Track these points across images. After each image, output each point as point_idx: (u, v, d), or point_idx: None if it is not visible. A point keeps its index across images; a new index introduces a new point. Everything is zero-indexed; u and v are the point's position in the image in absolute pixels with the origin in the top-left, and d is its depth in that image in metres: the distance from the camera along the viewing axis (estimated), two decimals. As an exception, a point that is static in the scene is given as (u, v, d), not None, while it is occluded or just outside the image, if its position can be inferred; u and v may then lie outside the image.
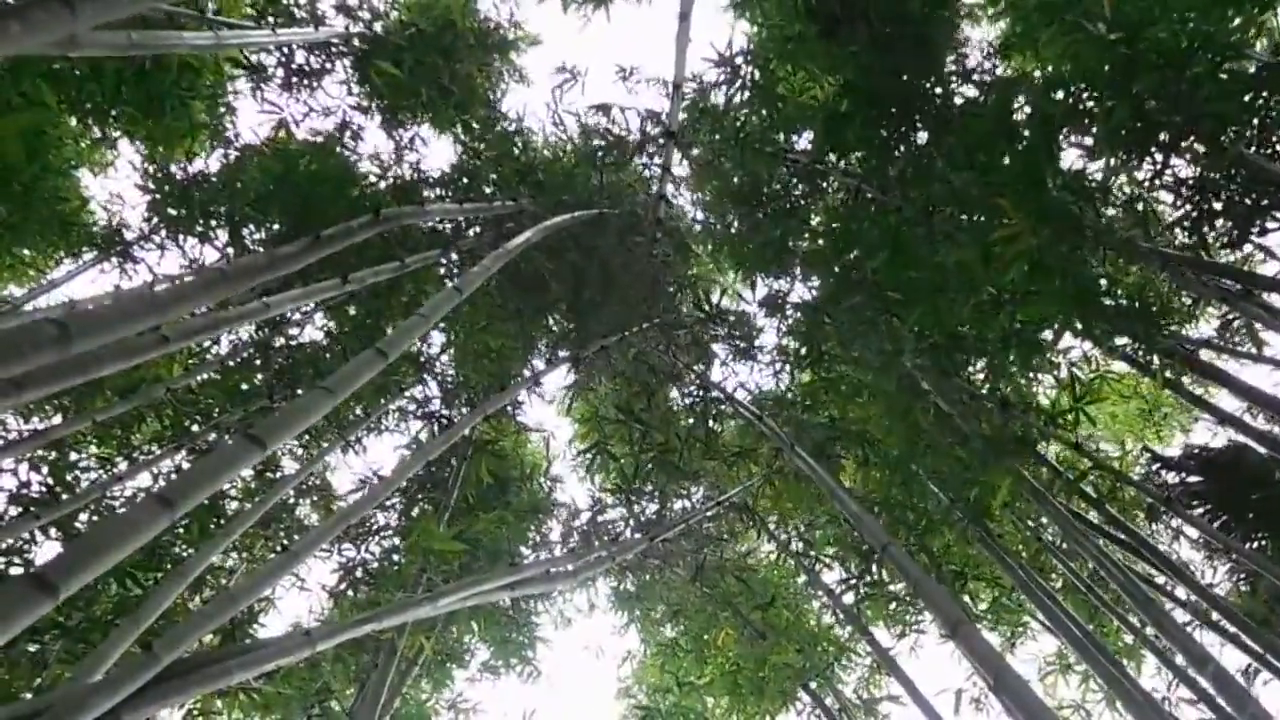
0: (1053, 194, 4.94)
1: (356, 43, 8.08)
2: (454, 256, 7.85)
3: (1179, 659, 6.37)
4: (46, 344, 2.97)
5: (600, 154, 9.00)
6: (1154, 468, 7.35)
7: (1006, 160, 5.26)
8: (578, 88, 9.17)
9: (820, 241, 7.87)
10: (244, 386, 7.55)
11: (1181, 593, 6.95)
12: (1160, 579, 7.35)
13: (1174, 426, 10.70)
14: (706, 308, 8.97)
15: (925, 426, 6.69)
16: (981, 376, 6.87)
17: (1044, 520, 7.57)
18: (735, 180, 8.33)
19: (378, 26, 8.23)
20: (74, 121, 7.13)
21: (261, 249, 6.86)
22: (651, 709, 9.69)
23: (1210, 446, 7.30)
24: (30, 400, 3.23)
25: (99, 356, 3.25)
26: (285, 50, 7.85)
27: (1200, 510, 6.74)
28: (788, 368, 8.62)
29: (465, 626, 8.98)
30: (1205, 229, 5.14)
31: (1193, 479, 6.84)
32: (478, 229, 8.40)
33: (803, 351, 8.14)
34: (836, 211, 7.63)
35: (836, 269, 7.20)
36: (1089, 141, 5.79)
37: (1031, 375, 6.76)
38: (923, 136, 6.31)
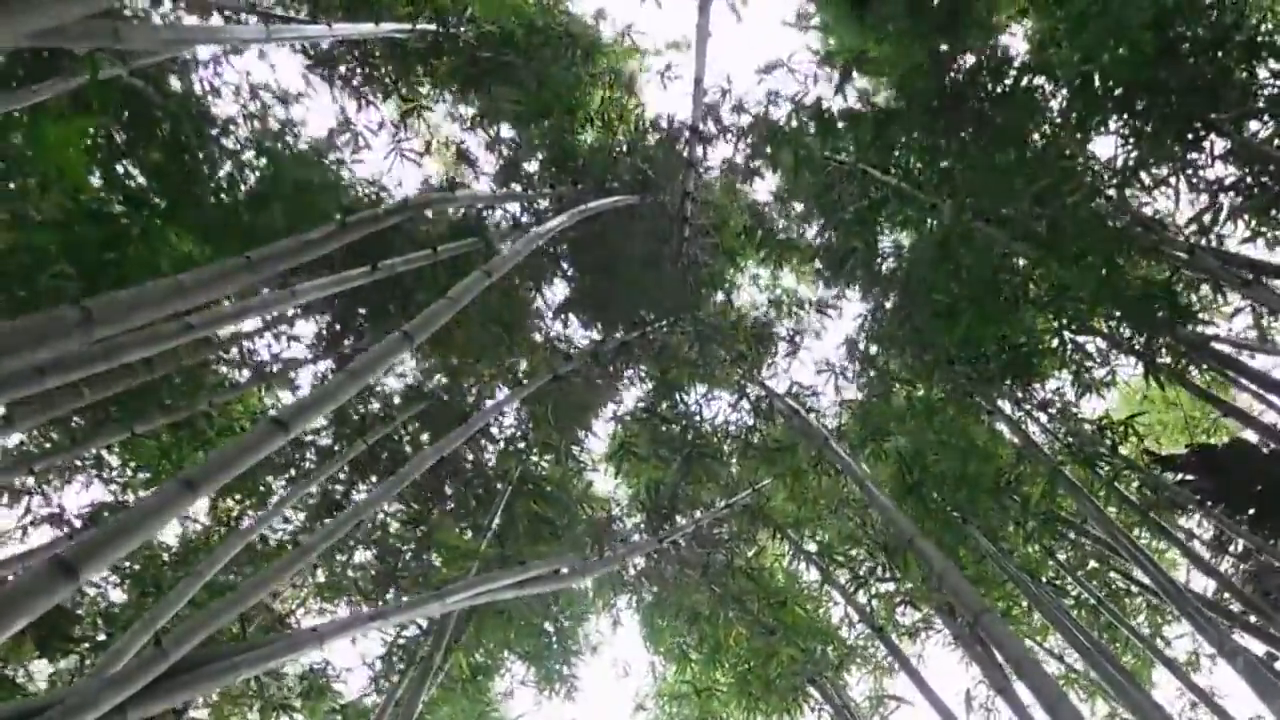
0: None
1: (426, 40, 7.73)
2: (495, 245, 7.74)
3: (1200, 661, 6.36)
4: (69, 330, 2.97)
5: (639, 142, 8.89)
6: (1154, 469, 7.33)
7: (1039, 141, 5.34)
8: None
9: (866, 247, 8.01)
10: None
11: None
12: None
13: (1223, 432, 10.48)
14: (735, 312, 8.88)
15: (977, 440, 6.78)
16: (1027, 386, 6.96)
17: (1050, 541, 7.59)
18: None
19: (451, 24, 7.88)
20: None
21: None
22: (672, 717, 9.60)
23: (1210, 444, 7.28)
24: (53, 386, 3.22)
25: (122, 343, 3.25)
26: (344, 44, 7.58)
27: (1199, 508, 6.77)
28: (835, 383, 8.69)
29: (497, 637, 8.86)
30: (1224, 222, 5.19)
31: (1192, 477, 6.83)
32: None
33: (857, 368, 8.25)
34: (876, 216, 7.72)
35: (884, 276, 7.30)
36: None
37: (1081, 386, 6.85)
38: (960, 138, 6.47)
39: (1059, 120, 6.13)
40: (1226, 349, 6.79)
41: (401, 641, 7.97)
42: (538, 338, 8.86)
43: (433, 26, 7.70)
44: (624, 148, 8.76)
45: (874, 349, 8.45)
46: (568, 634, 9.06)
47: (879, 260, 8.03)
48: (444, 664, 7.80)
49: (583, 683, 9.03)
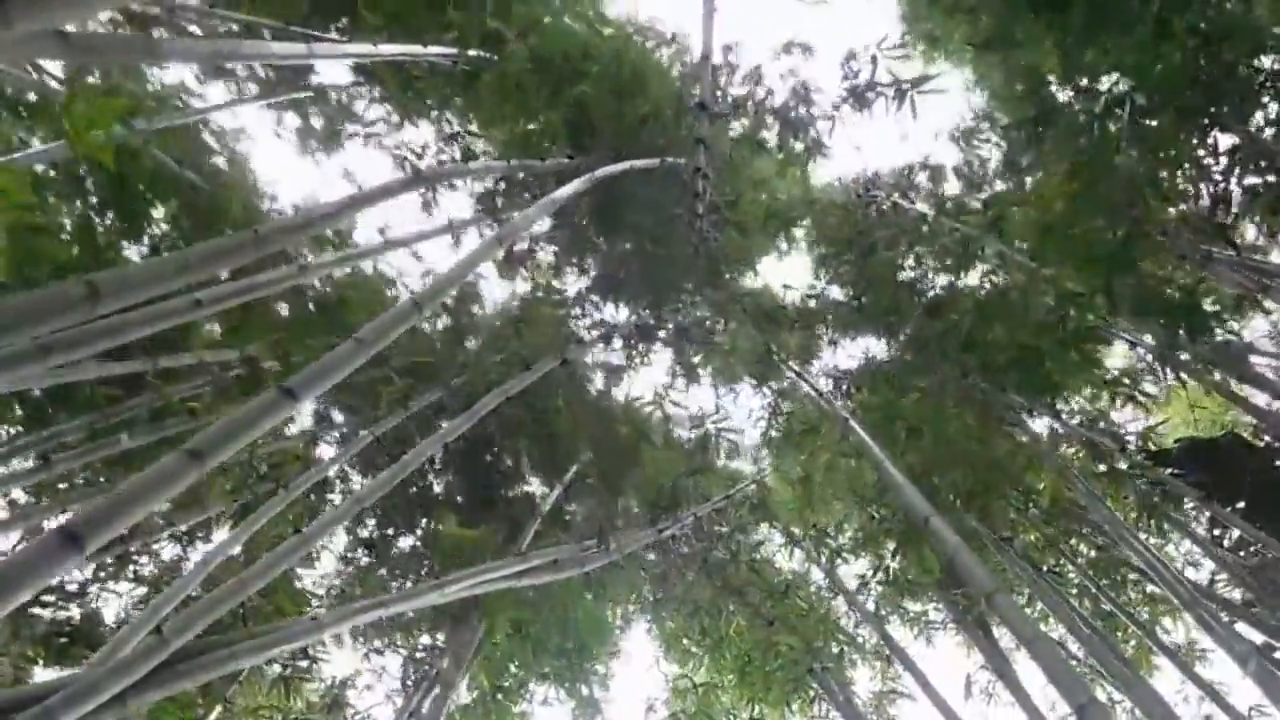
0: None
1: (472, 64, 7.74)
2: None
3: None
4: (74, 306, 2.94)
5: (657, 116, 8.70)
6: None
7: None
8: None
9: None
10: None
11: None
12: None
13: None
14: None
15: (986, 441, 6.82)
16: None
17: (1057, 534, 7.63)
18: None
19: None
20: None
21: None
22: (677, 713, 9.58)
23: (1202, 438, 7.34)
24: (59, 364, 3.20)
25: (129, 320, 3.24)
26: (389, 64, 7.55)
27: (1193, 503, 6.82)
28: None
29: (512, 651, 8.82)
30: (1238, 217, 5.22)
31: (1184, 471, 6.87)
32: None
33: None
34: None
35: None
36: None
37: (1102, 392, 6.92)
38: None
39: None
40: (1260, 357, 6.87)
41: (419, 655, 7.98)
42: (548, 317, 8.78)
43: (481, 52, 7.68)
44: (641, 119, 8.62)
45: (886, 356, 8.51)
46: (591, 654, 9.04)
47: (913, 294, 8.12)
48: (461, 678, 7.78)
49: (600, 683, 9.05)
